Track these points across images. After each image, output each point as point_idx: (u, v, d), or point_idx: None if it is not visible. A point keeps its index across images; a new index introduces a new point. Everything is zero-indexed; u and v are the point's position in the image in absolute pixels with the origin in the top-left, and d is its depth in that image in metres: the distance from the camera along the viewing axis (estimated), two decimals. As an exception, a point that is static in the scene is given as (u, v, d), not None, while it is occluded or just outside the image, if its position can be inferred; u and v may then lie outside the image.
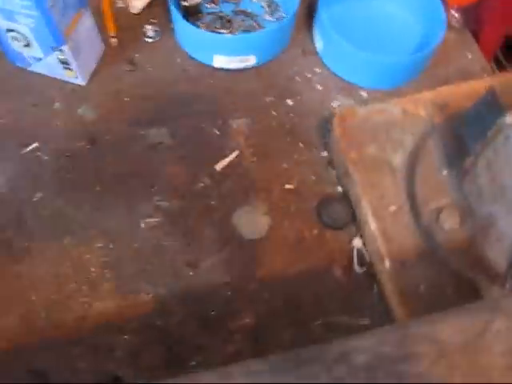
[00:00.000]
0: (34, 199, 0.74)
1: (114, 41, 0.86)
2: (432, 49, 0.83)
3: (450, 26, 0.94)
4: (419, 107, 0.76)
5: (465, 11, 0.94)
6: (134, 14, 0.89)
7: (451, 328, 0.42)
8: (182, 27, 0.83)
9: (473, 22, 0.95)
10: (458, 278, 0.64)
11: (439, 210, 0.68)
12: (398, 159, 0.72)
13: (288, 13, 0.86)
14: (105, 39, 0.86)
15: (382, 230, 0.68)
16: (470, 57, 0.92)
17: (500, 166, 0.61)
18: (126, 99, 0.83)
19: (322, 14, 0.83)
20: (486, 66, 0.92)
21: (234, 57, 0.83)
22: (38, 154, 0.77)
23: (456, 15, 0.93)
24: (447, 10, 0.93)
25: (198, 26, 0.86)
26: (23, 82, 0.83)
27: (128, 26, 0.88)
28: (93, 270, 0.69)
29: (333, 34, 0.81)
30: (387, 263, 0.66)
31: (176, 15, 0.82)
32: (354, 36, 0.83)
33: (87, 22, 0.79)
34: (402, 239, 0.68)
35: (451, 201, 0.69)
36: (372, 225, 0.68)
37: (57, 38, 0.73)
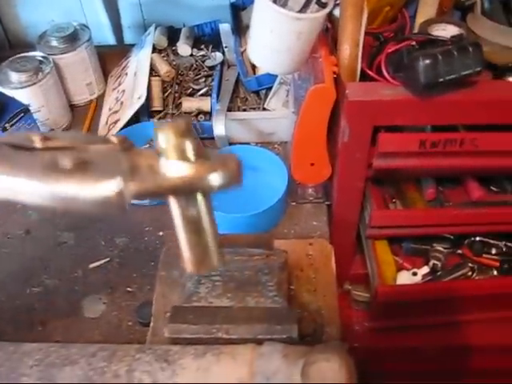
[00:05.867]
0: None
1: None
2: (263, 211, 1.13)
3: (308, 200, 1.24)
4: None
5: (320, 187, 1.23)
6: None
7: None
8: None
9: (327, 196, 1.24)
10: None
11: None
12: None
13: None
14: None
15: (154, 329, 0.97)
16: (314, 223, 1.20)
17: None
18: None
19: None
20: (324, 233, 1.18)
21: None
22: None
23: (310, 191, 1.23)
24: (305, 186, 1.23)
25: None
26: None
27: None
28: None
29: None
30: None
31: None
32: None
33: None
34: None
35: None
36: (152, 323, 0.98)
37: None
